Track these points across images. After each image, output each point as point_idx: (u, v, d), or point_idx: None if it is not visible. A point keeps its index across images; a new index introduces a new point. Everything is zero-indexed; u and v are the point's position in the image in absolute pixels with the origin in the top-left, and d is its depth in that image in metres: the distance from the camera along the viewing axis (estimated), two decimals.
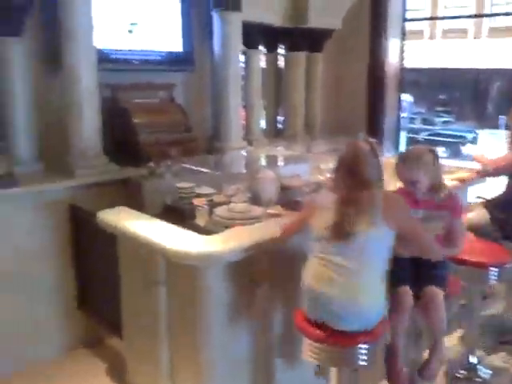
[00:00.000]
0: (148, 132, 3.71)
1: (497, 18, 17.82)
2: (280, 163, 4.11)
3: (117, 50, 3.83)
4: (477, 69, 16.75)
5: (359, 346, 2.14)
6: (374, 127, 5.47)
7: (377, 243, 2.15)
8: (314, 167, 3.69)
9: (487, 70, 16.61)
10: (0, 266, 3.01)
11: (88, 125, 3.33)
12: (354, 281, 2.13)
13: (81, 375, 3.10)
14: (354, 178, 2.19)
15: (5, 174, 2.98)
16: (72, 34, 3.23)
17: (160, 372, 2.58)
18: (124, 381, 2.89)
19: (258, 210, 2.92)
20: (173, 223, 2.60)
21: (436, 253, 2.43)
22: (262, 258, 2.45)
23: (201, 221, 2.92)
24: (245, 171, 3.92)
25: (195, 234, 2.44)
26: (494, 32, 16.67)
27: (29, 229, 3.10)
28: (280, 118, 5.33)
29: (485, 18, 18.24)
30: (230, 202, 3.02)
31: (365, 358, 2.17)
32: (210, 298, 2.37)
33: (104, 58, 3.59)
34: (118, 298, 2.82)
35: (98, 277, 3.20)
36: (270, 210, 3.02)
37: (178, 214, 2.98)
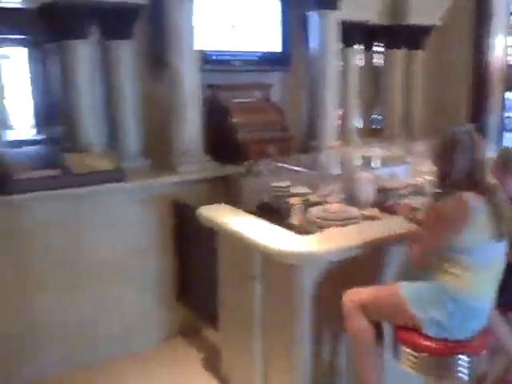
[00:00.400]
0: (246, 131, 3.81)
1: None
2: (376, 164, 4.04)
3: (217, 52, 3.96)
4: None
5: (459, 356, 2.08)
6: (477, 127, 5.20)
7: None
8: (413, 169, 3.59)
9: None
10: (110, 256, 3.22)
11: (190, 124, 3.48)
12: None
13: (177, 363, 3.25)
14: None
15: (114, 169, 3.18)
16: (176, 38, 3.38)
17: (254, 365, 2.65)
18: (218, 371, 3.00)
19: (353, 212, 2.89)
20: (268, 221, 2.65)
21: None
22: (358, 260, 2.44)
23: (296, 220, 2.95)
24: (340, 171, 3.90)
25: (292, 232, 2.48)
26: None
27: (136, 221, 3.29)
28: (376, 117, 5.25)
29: None
30: (325, 202, 3.02)
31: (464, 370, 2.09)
32: (305, 296, 2.39)
33: (205, 60, 3.72)
34: (215, 292, 2.92)
35: (197, 270, 3.33)
36: (365, 212, 2.99)
37: (274, 212, 3.03)
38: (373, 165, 4.03)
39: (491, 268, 2.07)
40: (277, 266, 2.41)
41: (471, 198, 2.00)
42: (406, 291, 2.12)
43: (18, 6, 3.34)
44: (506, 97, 5.65)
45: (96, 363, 3.17)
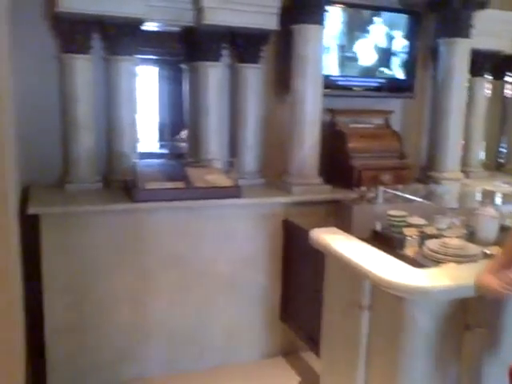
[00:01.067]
0: (361, 156, 3.77)
1: None
2: (499, 200, 3.79)
3: (340, 77, 3.99)
4: None
5: None
6: None
7: None
8: None
9: None
10: (222, 267, 3.35)
11: (308, 146, 3.53)
12: None
13: (275, 381, 3.27)
14: None
15: (232, 185, 3.32)
16: (303, 65, 3.48)
17: None
18: None
19: (473, 249, 2.74)
20: (381, 250, 2.60)
21: None
22: (476, 302, 2.30)
23: (410, 251, 2.85)
24: (460, 204, 3.72)
25: (405, 264, 2.41)
26: None
27: (248, 236, 3.39)
28: (502, 151, 4.95)
29: None
30: (442, 235, 2.90)
31: None
32: (414, 332, 2.29)
33: (328, 84, 3.76)
34: (318, 316, 2.90)
35: (302, 291, 3.34)
36: (486, 250, 2.82)
37: (387, 241, 2.96)
38: (495, 200, 3.79)
39: None
40: (388, 298, 2.34)
41: None
42: None
43: (158, 29, 3.61)
44: None
45: (198, 370, 3.29)
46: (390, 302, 2.36)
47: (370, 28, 4.06)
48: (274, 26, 3.55)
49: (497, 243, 2.89)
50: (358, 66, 4.07)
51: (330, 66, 3.93)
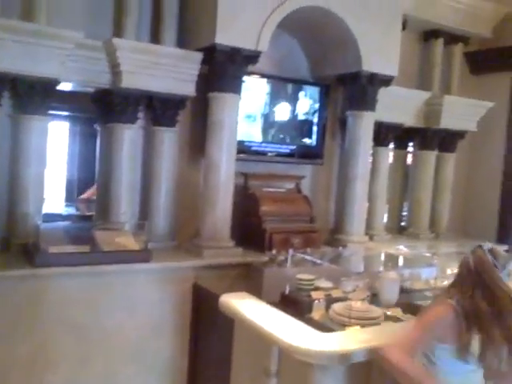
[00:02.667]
0: (273, 220, 3.85)
1: None
2: (400, 263, 4.00)
3: (254, 143, 4.12)
4: None
5: None
6: (505, 233, 5.15)
7: None
8: (439, 270, 3.54)
9: None
10: (126, 335, 3.21)
11: (220, 209, 3.57)
12: None
13: None
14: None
15: (141, 249, 3.25)
16: (218, 128, 3.57)
17: None
18: None
19: (376, 311, 2.84)
20: (289, 314, 2.62)
21: None
22: (380, 364, 2.36)
23: (317, 315, 2.90)
24: (364, 268, 3.87)
25: (312, 329, 2.43)
26: None
27: (156, 302, 3.30)
28: (405, 214, 5.26)
29: None
30: (348, 298, 2.98)
31: None
32: None
33: (242, 149, 3.87)
34: (227, 383, 2.84)
35: (211, 358, 3.26)
36: (388, 312, 2.93)
37: (295, 305, 2.99)
38: (398, 263, 3.99)
39: None
40: (295, 364, 2.34)
41: None
42: None
43: (73, 89, 3.57)
44: None
45: None
46: (297, 367, 2.36)
47: (290, 98, 4.27)
48: (191, 92, 3.63)
49: (398, 305, 3.02)
50: (274, 132, 4.24)
51: (251, 132, 4.06)
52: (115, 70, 3.38)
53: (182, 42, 3.66)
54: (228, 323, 2.80)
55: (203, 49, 3.50)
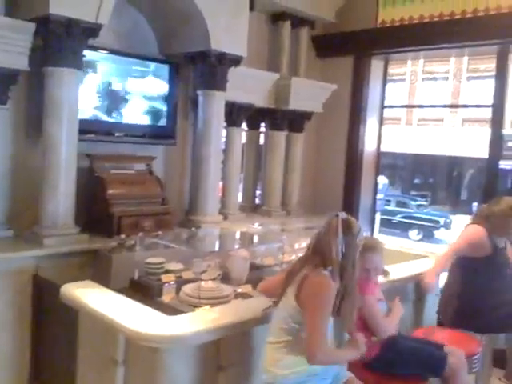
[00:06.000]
0: (122, 203, 3.68)
1: (470, 108, 18.58)
2: (254, 240, 4.09)
3: (100, 122, 3.88)
4: (451, 156, 17.27)
5: None
6: (350, 207, 5.54)
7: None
8: (288, 246, 3.68)
9: (461, 157, 17.11)
10: None
11: (63, 193, 3.31)
12: None
13: None
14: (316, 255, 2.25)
15: None
16: (57, 105, 3.28)
17: None
18: None
19: (227, 289, 2.87)
20: (139, 300, 2.54)
21: None
22: (227, 342, 2.39)
23: (167, 298, 2.85)
24: (218, 247, 3.90)
25: (159, 313, 2.38)
26: (468, 122, 17.37)
27: None
28: (259, 193, 5.39)
29: (460, 108, 19.04)
30: (199, 279, 2.97)
31: None
32: (170, 381, 2.27)
33: (86, 129, 3.62)
34: (73, 375, 2.69)
35: (56, 350, 3.06)
36: (239, 289, 2.98)
37: (145, 290, 2.91)
38: (250, 241, 4.08)
39: None
40: (142, 350, 2.28)
41: None
42: None
43: None
44: (377, 180, 6.12)
45: None
46: (144, 354, 2.30)
47: (138, 75, 4.07)
48: (23, 66, 3.29)
49: (248, 282, 3.09)
50: (123, 111, 4.03)
51: (94, 110, 3.81)
52: None
53: (12, 10, 3.30)
54: (72, 314, 2.64)
55: (36, 19, 3.19)
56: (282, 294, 2.30)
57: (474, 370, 3.01)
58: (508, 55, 4.66)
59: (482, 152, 5.54)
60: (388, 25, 5.14)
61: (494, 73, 4.81)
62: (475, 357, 2.96)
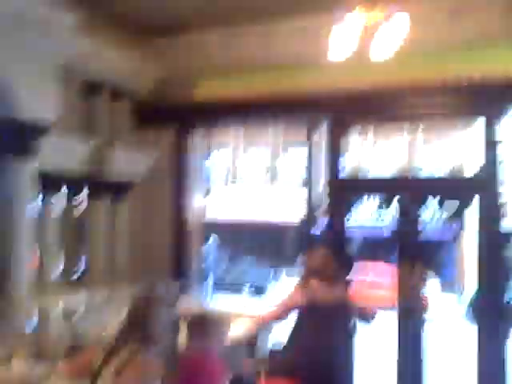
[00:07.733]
0: None
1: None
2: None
3: None
4: (271, 222, 18.34)
5: None
6: (179, 271, 5.46)
7: None
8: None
9: (280, 222, 18.21)
10: None
11: None
12: None
13: None
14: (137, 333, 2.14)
15: None
16: None
17: None
18: None
19: None
20: None
21: None
22: None
23: None
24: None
25: None
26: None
27: None
28: (80, 266, 5.04)
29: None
30: None
31: None
32: None
33: None
34: None
35: None
36: None
37: None
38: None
39: None
40: None
41: None
42: None
43: None
44: (204, 244, 6.16)
45: None
46: None
47: None
48: None
49: None
50: None
51: None
52: None
53: None
54: None
55: None
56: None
57: None
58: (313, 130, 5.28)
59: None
60: (208, 99, 5.36)
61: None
62: None
